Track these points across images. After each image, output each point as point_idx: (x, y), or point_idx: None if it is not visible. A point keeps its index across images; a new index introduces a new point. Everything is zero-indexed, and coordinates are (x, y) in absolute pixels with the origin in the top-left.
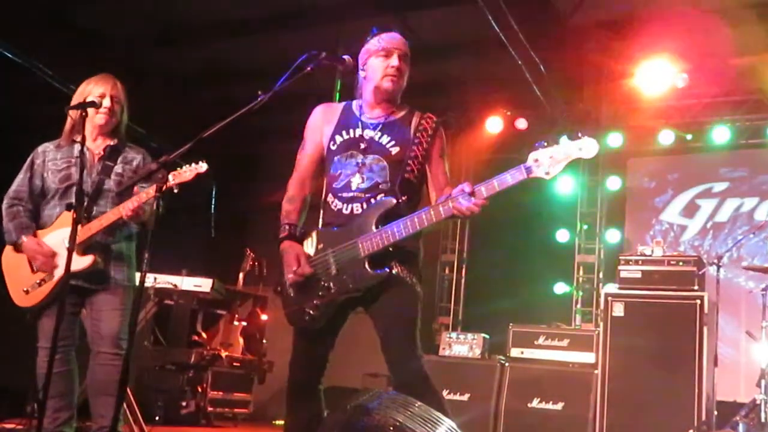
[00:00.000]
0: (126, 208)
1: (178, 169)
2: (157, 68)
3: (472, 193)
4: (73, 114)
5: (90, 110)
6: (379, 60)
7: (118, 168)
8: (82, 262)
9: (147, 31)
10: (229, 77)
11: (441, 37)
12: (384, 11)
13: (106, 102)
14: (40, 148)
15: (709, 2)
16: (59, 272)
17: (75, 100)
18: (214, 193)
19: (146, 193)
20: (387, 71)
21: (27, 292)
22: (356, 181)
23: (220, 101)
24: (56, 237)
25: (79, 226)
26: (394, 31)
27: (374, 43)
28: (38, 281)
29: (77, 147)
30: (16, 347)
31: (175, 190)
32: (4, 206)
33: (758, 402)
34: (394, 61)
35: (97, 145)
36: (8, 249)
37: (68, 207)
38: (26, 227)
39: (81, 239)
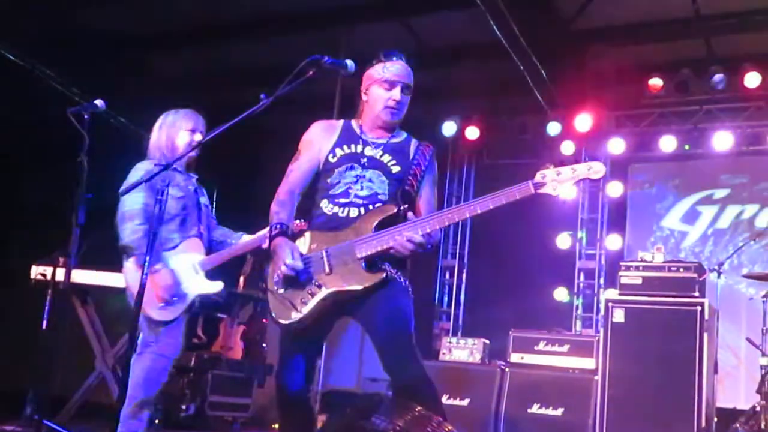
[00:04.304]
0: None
1: None
2: (159, 70)
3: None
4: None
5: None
6: (381, 90)
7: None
8: (215, 286)
9: (150, 33)
10: (233, 80)
11: (444, 42)
12: (389, 15)
13: (198, 137)
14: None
15: None
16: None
17: (167, 126)
18: (215, 195)
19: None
20: (388, 103)
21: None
22: (356, 189)
23: (223, 104)
24: (183, 261)
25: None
26: (401, 59)
27: (379, 70)
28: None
29: (191, 177)
30: (14, 351)
31: None
32: (141, 229)
33: (758, 409)
34: (396, 94)
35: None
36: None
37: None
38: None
39: (213, 265)
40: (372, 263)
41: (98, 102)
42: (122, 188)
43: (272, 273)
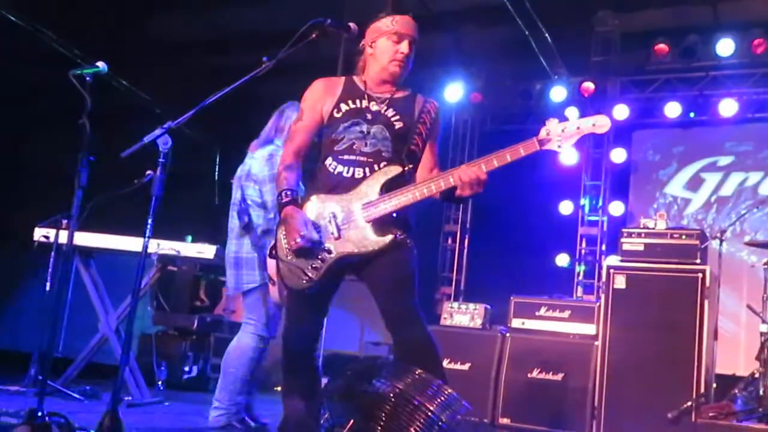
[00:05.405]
0: None
1: None
2: (161, 35)
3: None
4: None
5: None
6: (389, 43)
7: None
8: None
9: None
10: (234, 44)
11: (449, 6)
12: None
13: None
14: None
15: None
16: None
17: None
18: (217, 159)
19: None
20: (396, 56)
21: None
22: (359, 146)
23: (225, 68)
24: None
25: None
26: (408, 14)
27: (387, 23)
28: None
29: None
30: (18, 313)
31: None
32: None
33: (757, 375)
34: (404, 47)
35: None
36: None
37: None
38: None
39: None
40: (379, 226)
41: (100, 64)
42: (264, 175)
43: (283, 240)
